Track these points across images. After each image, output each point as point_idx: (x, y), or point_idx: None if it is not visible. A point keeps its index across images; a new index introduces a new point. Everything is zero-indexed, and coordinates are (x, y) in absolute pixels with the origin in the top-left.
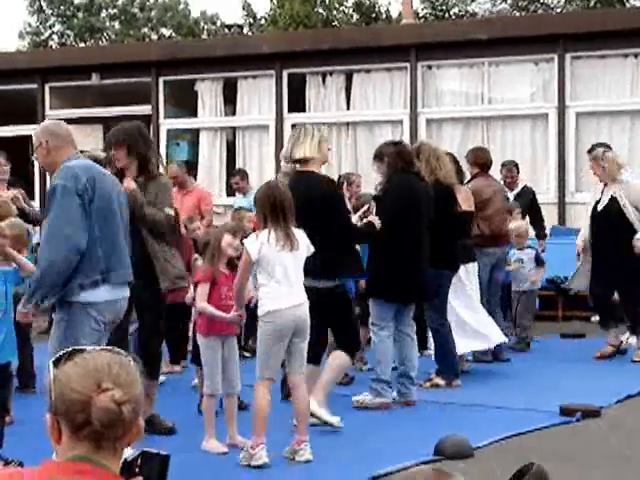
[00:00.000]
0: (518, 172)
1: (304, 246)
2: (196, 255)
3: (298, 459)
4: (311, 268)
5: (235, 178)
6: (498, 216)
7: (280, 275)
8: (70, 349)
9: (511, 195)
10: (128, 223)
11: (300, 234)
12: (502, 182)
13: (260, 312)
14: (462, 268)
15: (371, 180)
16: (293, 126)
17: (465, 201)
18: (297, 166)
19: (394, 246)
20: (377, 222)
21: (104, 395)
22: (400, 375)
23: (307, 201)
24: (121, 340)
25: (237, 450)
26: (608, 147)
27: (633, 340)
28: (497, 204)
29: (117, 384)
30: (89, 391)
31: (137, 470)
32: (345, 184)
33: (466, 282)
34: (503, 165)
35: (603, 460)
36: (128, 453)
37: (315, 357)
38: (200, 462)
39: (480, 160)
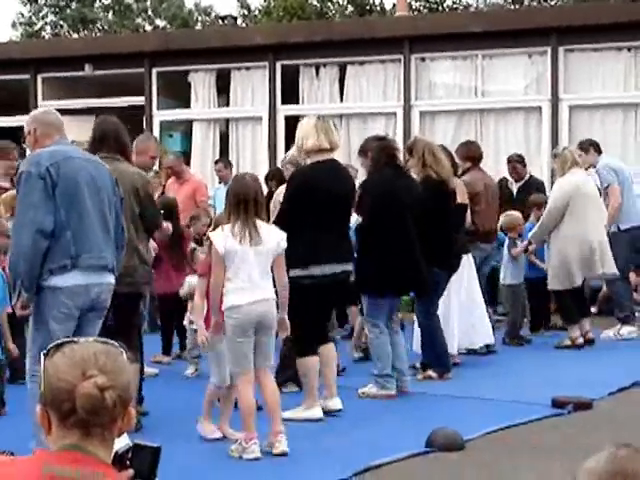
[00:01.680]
0: (524, 165)
1: (274, 241)
2: (194, 245)
3: (275, 452)
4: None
5: (218, 165)
6: (490, 211)
7: (242, 269)
8: (61, 340)
9: (515, 187)
10: (115, 210)
11: (271, 229)
12: (509, 176)
13: (223, 307)
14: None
15: (363, 173)
16: (286, 118)
17: (459, 194)
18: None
19: (380, 241)
20: None
21: (87, 382)
22: (395, 370)
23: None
24: (130, 332)
25: (225, 441)
26: (594, 144)
27: (625, 330)
28: (489, 198)
29: (102, 371)
30: (75, 380)
31: (128, 463)
32: None
33: (462, 276)
34: (509, 161)
35: (594, 452)
36: (120, 445)
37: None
38: (189, 453)
39: (472, 154)
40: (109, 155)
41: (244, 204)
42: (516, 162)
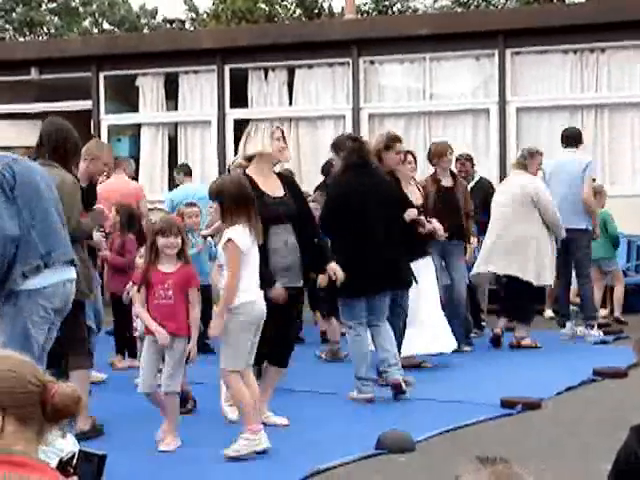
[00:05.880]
0: (473, 165)
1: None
2: (142, 250)
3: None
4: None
5: (180, 175)
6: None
7: (252, 268)
8: None
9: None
10: (61, 209)
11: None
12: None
13: (235, 303)
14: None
15: (313, 176)
16: (235, 122)
17: (413, 197)
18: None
19: (345, 242)
20: None
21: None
22: (381, 361)
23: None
24: (76, 340)
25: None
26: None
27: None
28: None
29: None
30: (41, 382)
31: (72, 470)
32: None
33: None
34: (457, 159)
35: (542, 451)
36: (65, 452)
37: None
38: (139, 460)
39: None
40: (45, 162)
41: (246, 204)
42: (465, 160)
